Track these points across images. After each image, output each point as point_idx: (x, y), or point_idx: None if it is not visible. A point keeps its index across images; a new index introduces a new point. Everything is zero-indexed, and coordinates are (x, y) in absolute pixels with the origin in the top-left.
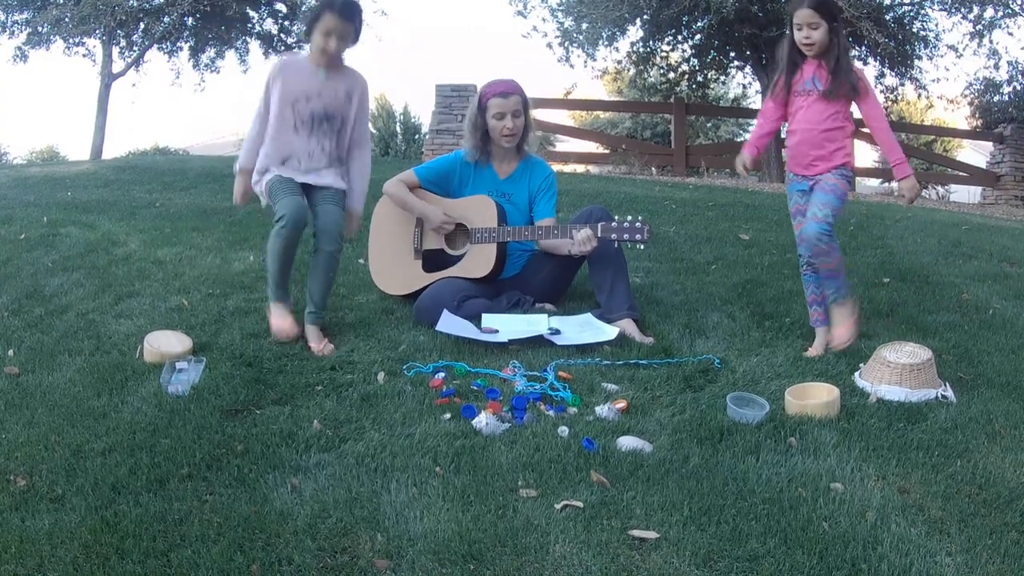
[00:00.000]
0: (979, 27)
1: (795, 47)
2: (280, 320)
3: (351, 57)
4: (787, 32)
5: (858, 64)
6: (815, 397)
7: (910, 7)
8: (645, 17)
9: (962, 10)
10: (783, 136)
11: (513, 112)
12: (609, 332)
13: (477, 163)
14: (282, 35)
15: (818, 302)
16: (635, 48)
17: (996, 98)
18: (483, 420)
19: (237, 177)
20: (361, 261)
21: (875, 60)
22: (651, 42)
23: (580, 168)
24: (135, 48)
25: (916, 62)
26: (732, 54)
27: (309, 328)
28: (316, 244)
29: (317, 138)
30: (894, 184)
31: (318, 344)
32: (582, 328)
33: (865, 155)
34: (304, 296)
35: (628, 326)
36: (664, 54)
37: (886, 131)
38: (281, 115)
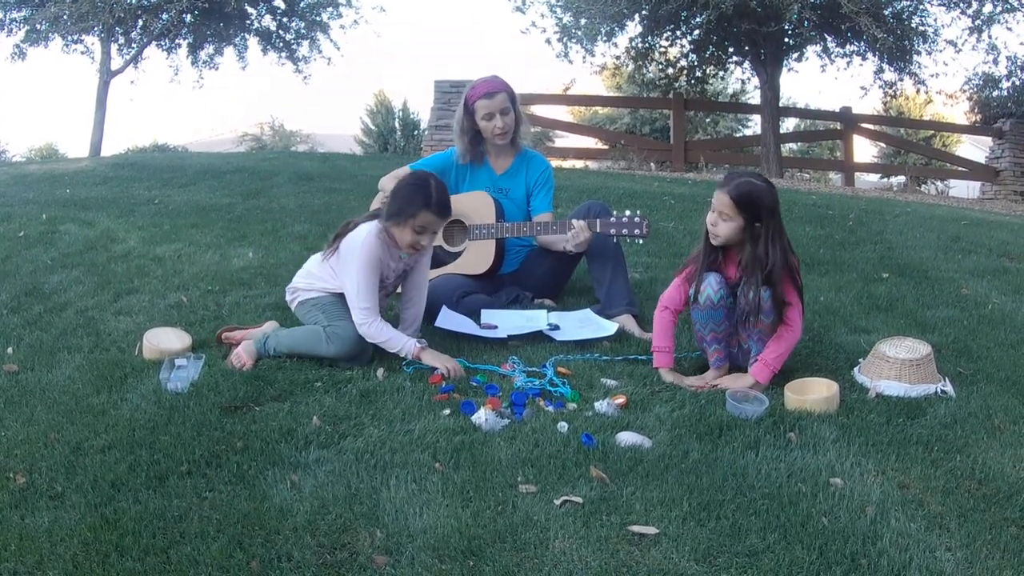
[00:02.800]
0: (978, 22)
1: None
2: (247, 356)
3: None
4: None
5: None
6: (814, 392)
7: (909, 2)
8: (643, 12)
9: (961, 5)
10: (782, 133)
11: (501, 110)
12: (608, 328)
13: (472, 162)
14: (280, 31)
15: (718, 340)
16: (634, 43)
17: (995, 93)
18: (482, 416)
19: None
20: None
21: (874, 55)
22: (650, 37)
23: (579, 164)
24: (133, 45)
25: (915, 57)
26: (731, 49)
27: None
28: None
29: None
30: (893, 179)
31: (238, 360)
32: (581, 324)
33: (864, 150)
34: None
35: (627, 322)
36: (663, 49)
37: (788, 342)
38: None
